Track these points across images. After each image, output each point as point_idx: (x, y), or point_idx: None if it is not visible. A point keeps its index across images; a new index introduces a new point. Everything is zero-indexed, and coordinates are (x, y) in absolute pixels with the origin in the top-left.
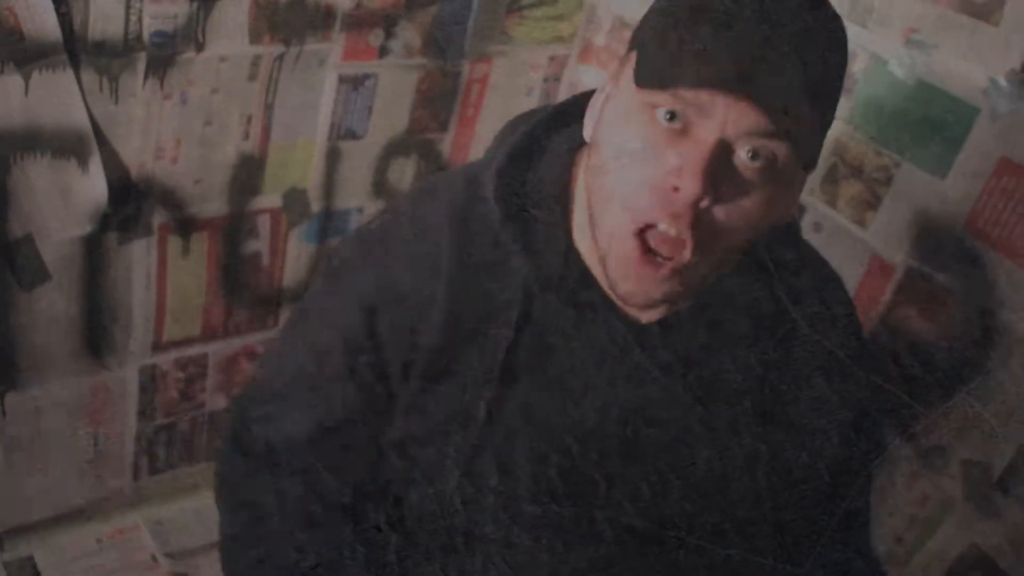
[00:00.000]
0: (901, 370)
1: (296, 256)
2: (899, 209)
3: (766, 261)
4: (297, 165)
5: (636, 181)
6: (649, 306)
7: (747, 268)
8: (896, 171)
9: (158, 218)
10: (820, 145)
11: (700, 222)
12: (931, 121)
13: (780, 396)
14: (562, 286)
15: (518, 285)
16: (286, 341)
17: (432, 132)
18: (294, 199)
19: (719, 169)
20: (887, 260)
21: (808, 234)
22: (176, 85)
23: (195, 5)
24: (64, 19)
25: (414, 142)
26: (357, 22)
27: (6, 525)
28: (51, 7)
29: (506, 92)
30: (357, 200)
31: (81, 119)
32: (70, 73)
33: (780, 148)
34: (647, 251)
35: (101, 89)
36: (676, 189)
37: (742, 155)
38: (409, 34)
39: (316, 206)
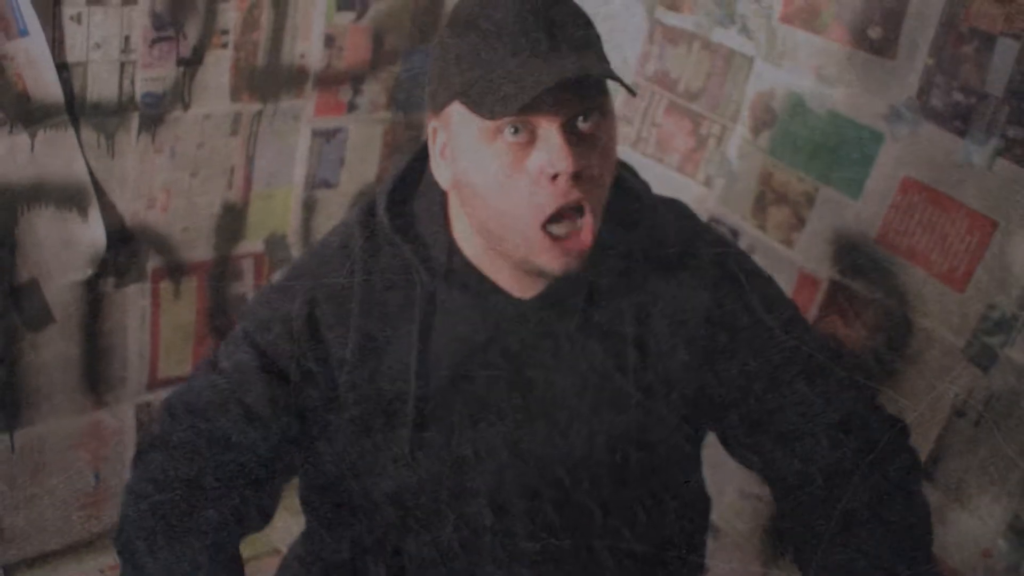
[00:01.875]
0: None
1: None
2: (821, 229)
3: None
4: (277, 212)
5: (524, 197)
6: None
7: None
8: (816, 195)
9: (151, 263)
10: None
11: (584, 186)
12: (843, 148)
13: (765, 405)
14: (450, 275)
15: (414, 285)
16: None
17: None
18: (275, 244)
19: (572, 142)
20: (812, 275)
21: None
22: (165, 141)
23: (181, 69)
24: (65, 83)
25: None
26: (327, 80)
27: (13, 558)
28: (54, 73)
29: None
30: None
31: (81, 173)
32: (71, 132)
33: (600, 100)
34: (556, 239)
35: (99, 145)
36: (554, 176)
37: (579, 123)
38: (375, 90)
39: (295, 250)
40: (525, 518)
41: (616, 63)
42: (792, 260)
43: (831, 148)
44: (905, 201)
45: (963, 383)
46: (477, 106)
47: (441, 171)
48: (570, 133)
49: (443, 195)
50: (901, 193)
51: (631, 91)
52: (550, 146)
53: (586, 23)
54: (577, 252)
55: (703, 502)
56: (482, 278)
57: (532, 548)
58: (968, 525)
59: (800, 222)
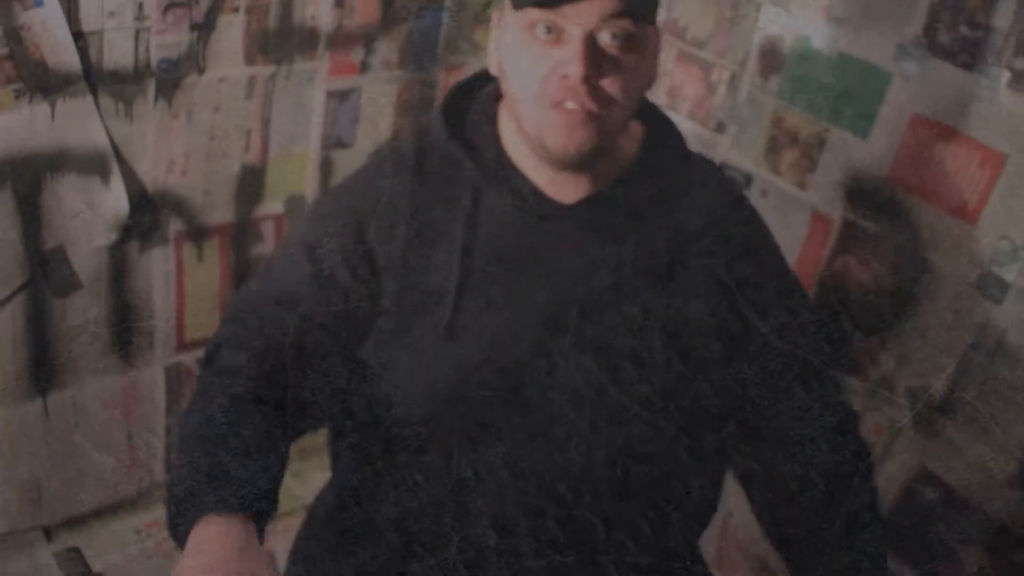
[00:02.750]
0: (846, 310)
1: None
2: (832, 169)
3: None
4: (294, 174)
5: (540, 80)
6: (579, 163)
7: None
8: (827, 136)
9: (173, 227)
10: (654, 6)
11: (593, 94)
12: (852, 88)
13: (762, 412)
14: (499, 177)
15: (465, 185)
16: (270, 260)
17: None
18: (294, 204)
19: (593, 52)
20: (825, 215)
21: (756, 200)
22: (182, 106)
23: (195, 34)
24: (82, 52)
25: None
26: (339, 41)
27: (52, 519)
28: (71, 42)
29: None
30: None
31: (101, 139)
32: (90, 99)
33: (628, 23)
34: (565, 111)
35: (117, 112)
36: (565, 76)
37: (606, 38)
38: (387, 49)
39: None
40: (529, 536)
41: None
42: (805, 201)
43: (840, 89)
44: (915, 138)
45: (978, 316)
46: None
47: (492, 58)
48: (593, 45)
49: (495, 102)
50: (911, 131)
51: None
52: (568, 48)
53: None
54: (580, 120)
55: (708, 511)
56: (524, 179)
57: (537, 566)
58: (985, 454)
59: (812, 164)
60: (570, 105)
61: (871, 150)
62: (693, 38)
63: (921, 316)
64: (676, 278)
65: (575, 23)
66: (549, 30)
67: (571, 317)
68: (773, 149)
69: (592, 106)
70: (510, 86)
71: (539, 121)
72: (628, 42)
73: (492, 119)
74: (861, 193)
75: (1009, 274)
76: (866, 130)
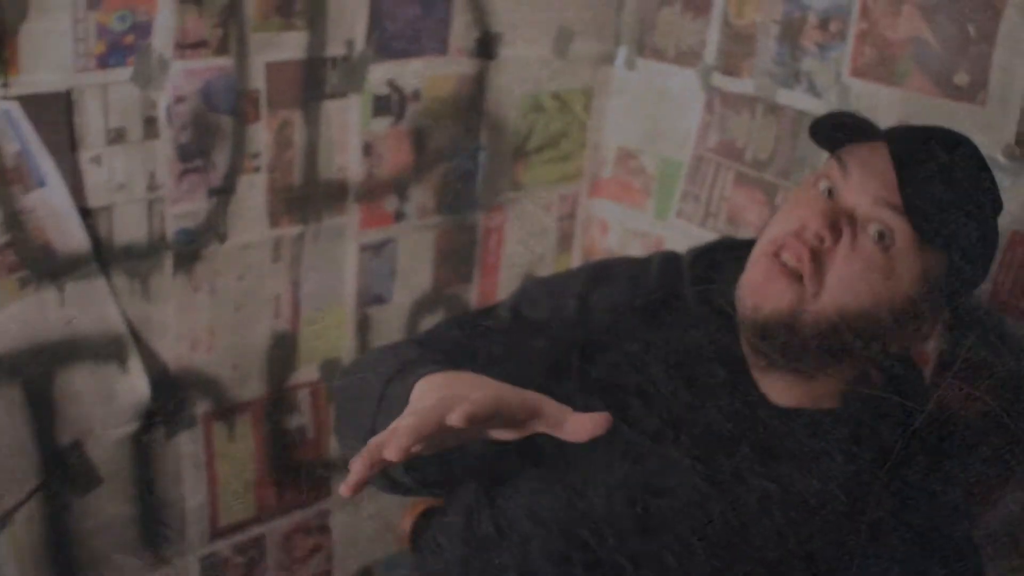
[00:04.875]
0: None
1: None
2: None
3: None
4: (330, 336)
5: (785, 224)
6: (757, 326)
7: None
8: None
9: (201, 407)
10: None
11: (817, 259)
12: None
13: (774, 431)
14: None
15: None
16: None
17: (456, 286)
18: (331, 369)
19: (841, 224)
20: None
21: None
22: (204, 277)
23: (213, 200)
24: (90, 230)
25: (441, 298)
26: (370, 192)
27: None
28: (78, 220)
29: (523, 236)
30: None
31: (116, 322)
32: (101, 280)
33: (902, 225)
34: (773, 259)
35: (132, 291)
36: (803, 227)
37: (870, 229)
38: (422, 195)
39: None
40: None
41: (677, 138)
42: None
43: None
44: (1016, 258)
45: None
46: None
47: None
48: (847, 220)
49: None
50: (1011, 250)
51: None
52: (823, 208)
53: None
54: (779, 272)
55: (732, 537)
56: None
57: None
58: None
59: None
60: (784, 257)
61: None
62: (752, 159)
63: None
64: (672, 310)
65: (851, 188)
66: (831, 192)
67: (559, 489)
68: None
69: (804, 265)
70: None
71: (753, 262)
72: (889, 245)
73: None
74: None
75: None
76: None
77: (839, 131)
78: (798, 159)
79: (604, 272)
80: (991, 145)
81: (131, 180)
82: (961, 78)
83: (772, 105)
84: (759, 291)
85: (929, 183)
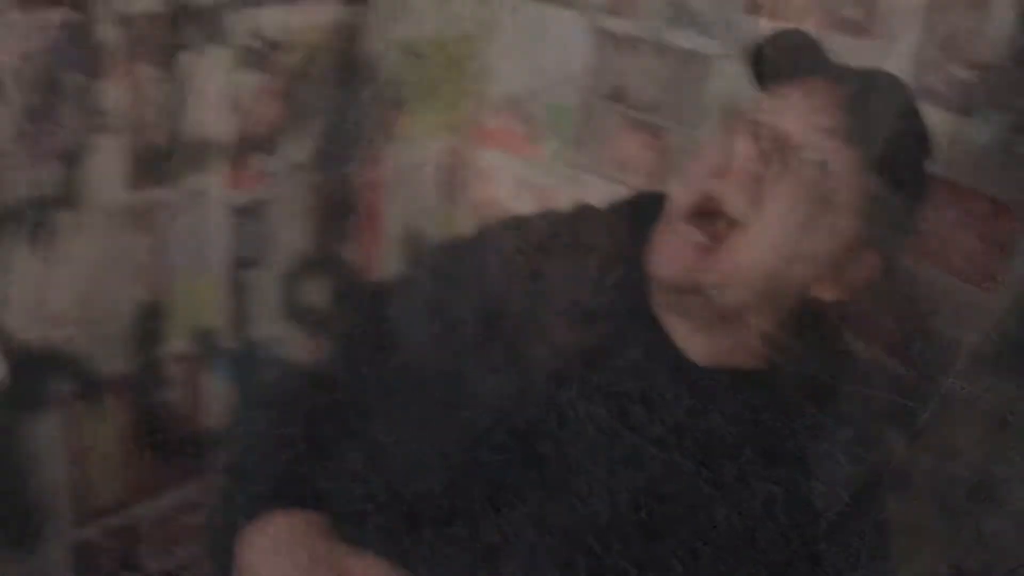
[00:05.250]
0: None
1: (213, 398)
2: None
3: None
4: (201, 304)
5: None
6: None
7: None
8: None
9: (64, 386)
10: None
11: (750, 191)
12: None
13: (776, 432)
14: None
15: None
16: None
17: (336, 245)
18: (203, 339)
19: (774, 153)
20: None
21: None
22: (60, 246)
23: (66, 164)
24: None
25: (319, 258)
26: (238, 150)
27: None
28: None
29: (404, 190)
30: (272, 328)
31: None
32: None
33: (844, 152)
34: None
35: None
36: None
37: (809, 157)
38: (294, 151)
39: (227, 343)
40: None
41: (564, 82)
42: None
43: None
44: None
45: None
46: None
47: None
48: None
49: None
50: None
51: None
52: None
53: None
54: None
55: (737, 541)
56: None
57: None
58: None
59: None
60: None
61: None
62: (643, 101)
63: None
64: None
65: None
66: (758, 126)
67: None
68: None
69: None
70: None
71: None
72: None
73: None
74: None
75: None
76: None
77: (786, 56)
78: (687, 101)
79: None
80: None
81: None
82: (851, 10)
83: (660, 46)
84: (673, 260)
85: (873, 114)
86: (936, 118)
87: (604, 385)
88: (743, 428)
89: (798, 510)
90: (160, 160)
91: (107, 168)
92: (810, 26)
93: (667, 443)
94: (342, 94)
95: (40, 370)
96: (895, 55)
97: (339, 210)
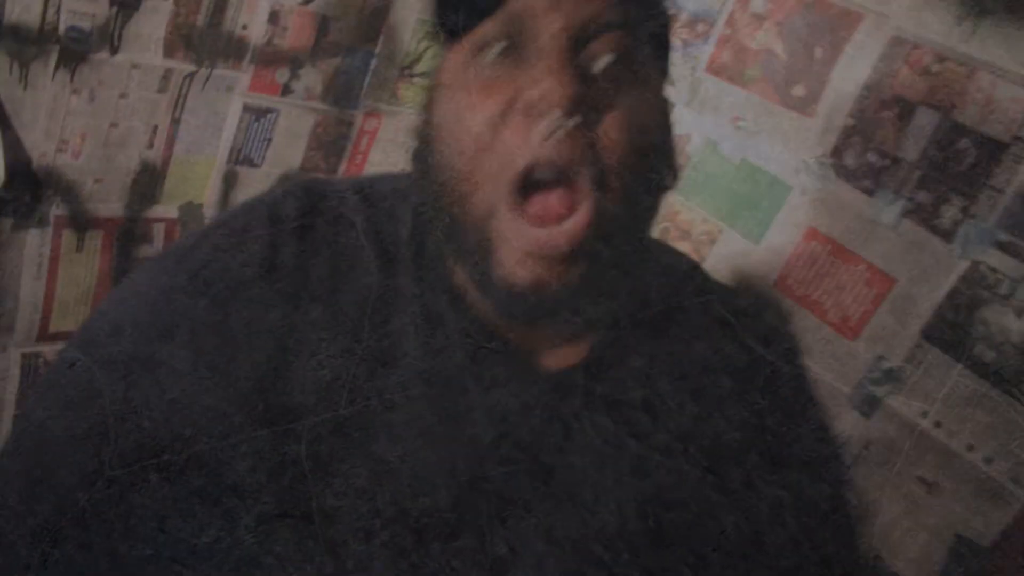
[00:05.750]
0: None
1: None
2: (719, 268)
3: (721, 313)
4: (196, 181)
5: (482, 135)
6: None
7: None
8: (719, 235)
9: (55, 210)
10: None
11: (582, 148)
12: (751, 195)
13: (782, 438)
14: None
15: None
16: None
17: (321, 172)
18: (189, 212)
19: (574, 73)
20: None
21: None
22: (86, 83)
23: (114, 9)
24: None
25: (304, 176)
26: (266, 57)
27: None
28: None
29: (390, 147)
30: None
31: None
32: None
33: (627, 39)
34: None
35: (11, 72)
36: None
37: (601, 63)
38: (312, 78)
39: (207, 220)
40: None
41: None
42: None
43: (739, 194)
44: (808, 251)
45: (844, 427)
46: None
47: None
48: (574, 64)
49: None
50: (805, 242)
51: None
52: (541, 63)
53: None
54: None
55: (746, 546)
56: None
57: None
58: None
59: (701, 258)
60: (533, 209)
61: (761, 255)
62: None
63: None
64: (674, 323)
65: (555, 18)
66: (509, 48)
67: (570, 508)
68: (664, 240)
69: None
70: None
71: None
72: (629, 65)
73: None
74: (745, 294)
75: (880, 392)
76: (759, 236)
77: None
78: None
79: None
80: (811, 152)
81: None
82: (799, 90)
83: None
84: (518, 268)
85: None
86: (848, 194)
87: (608, 394)
88: (748, 433)
89: (807, 513)
90: (198, 41)
91: (151, 28)
92: (759, 94)
93: (673, 450)
94: (364, 47)
95: (39, 188)
96: (827, 134)
97: (334, 143)
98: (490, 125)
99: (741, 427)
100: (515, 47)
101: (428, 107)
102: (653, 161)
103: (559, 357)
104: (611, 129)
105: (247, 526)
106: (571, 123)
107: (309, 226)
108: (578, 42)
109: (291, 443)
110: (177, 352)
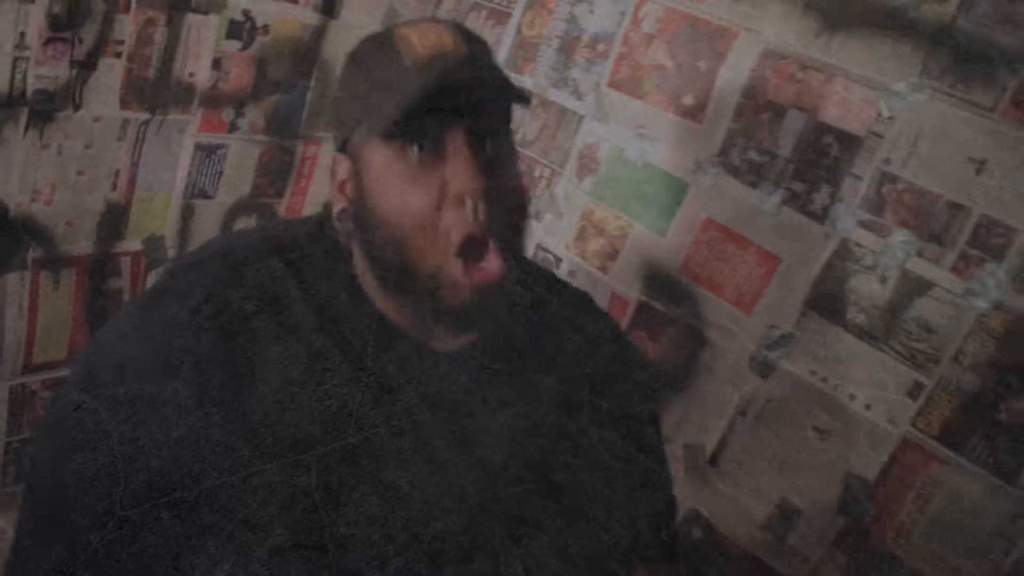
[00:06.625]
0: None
1: None
2: (632, 259)
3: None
4: (156, 216)
5: (425, 217)
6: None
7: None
8: (630, 230)
9: (32, 254)
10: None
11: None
12: (654, 193)
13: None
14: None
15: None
16: None
17: (270, 197)
18: (152, 244)
19: (480, 160)
20: (623, 297)
21: (564, 278)
22: (54, 137)
23: (74, 71)
24: None
25: (255, 204)
26: (212, 100)
27: None
28: None
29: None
30: None
31: None
32: None
33: (501, 118)
34: (474, 263)
35: None
36: (459, 199)
37: (487, 144)
38: (255, 114)
39: (171, 252)
40: None
41: None
42: (607, 284)
43: (645, 193)
44: (706, 239)
45: (747, 388)
46: (373, 123)
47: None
48: (478, 151)
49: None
50: (703, 232)
51: (527, 102)
52: (458, 162)
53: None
54: (486, 283)
55: None
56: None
57: None
58: (747, 504)
59: (615, 252)
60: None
61: (667, 246)
62: (521, 138)
63: (700, 385)
64: (536, 311)
65: (454, 131)
66: (422, 147)
67: (583, 394)
68: (582, 237)
69: (491, 261)
70: (385, 225)
71: (440, 272)
72: (504, 139)
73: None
74: (655, 280)
75: (774, 356)
76: (664, 229)
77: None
78: (557, 144)
79: None
80: (703, 153)
81: (1, 34)
82: (688, 99)
83: (544, 100)
84: (466, 295)
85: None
86: (736, 188)
87: (614, 409)
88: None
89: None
90: (151, 91)
91: (108, 85)
92: (654, 104)
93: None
94: (300, 81)
95: (17, 235)
96: (714, 136)
97: (279, 170)
98: (430, 210)
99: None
100: (433, 147)
101: (360, 193)
102: (523, 205)
103: (452, 344)
104: (503, 195)
105: (261, 559)
106: (483, 204)
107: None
108: (477, 139)
109: (301, 474)
110: (182, 389)
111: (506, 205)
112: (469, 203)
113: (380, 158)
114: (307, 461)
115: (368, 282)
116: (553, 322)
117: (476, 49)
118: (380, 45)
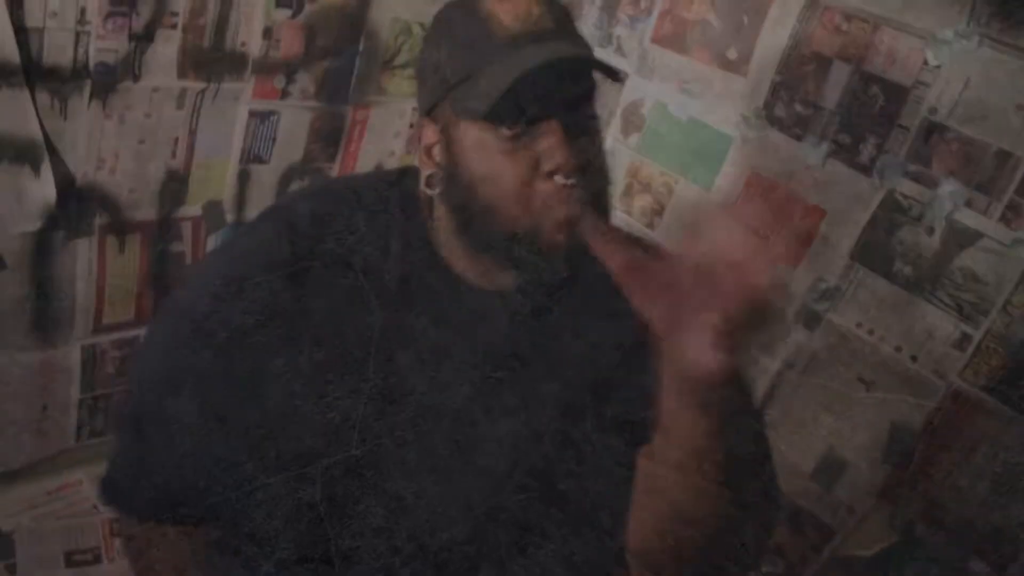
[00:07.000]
0: None
1: None
2: (678, 214)
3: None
4: (214, 182)
5: (518, 190)
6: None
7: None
8: (675, 186)
9: (99, 220)
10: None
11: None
12: (699, 148)
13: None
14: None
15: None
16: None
17: (322, 162)
18: (211, 210)
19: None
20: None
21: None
22: (116, 108)
23: (133, 44)
24: (23, 47)
25: (308, 169)
26: (265, 68)
27: None
28: (11, 36)
29: (380, 133)
30: None
31: (35, 131)
32: (26, 92)
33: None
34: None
35: (52, 107)
36: (551, 174)
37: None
38: (306, 81)
39: (229, 216)
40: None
41: None
42: (653, 240)
43: (689, 148)
44: (750, 193)
45: (793, 340)
46: (464, 105)
47: (426, 171)
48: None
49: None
50: (747, 186)
51: (617, 77)
52: (551, 139)
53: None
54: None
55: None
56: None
57: None
58: (794, 455)
59: (661, 208)
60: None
61: (713, 200)
62: None
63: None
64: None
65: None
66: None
67: (586, 400)
68: (628, 194)
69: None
70: (476, 195)
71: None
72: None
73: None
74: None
75: (821, 308)
76: (710, 183)
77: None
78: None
79: None
80: (747, 107)
81: (63, 10)
82: (732, 53)
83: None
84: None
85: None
86: (781, 141)
87: (617, 415)
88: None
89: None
90: (206, 61)
91: (165, 56)
92: (697, 59)
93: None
94: (348, 47)
95: (85, 203)
96: (759, 90)
97: (330, 135)
98: (523, 184)
99: (756, 440)
100: (525, 126)
101: (450, 159)
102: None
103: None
104: (590, 171)
105: (267, 573)
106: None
107: (306, 269)
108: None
109: (306, 487)
110: (185, 405)
111: (592, 179)
112: (560, 179)
113: (471, 131)
114: (312, 474)
115: (441, 235)
116: (556, 329)
117: (561, 16)
118: (466, 13)
